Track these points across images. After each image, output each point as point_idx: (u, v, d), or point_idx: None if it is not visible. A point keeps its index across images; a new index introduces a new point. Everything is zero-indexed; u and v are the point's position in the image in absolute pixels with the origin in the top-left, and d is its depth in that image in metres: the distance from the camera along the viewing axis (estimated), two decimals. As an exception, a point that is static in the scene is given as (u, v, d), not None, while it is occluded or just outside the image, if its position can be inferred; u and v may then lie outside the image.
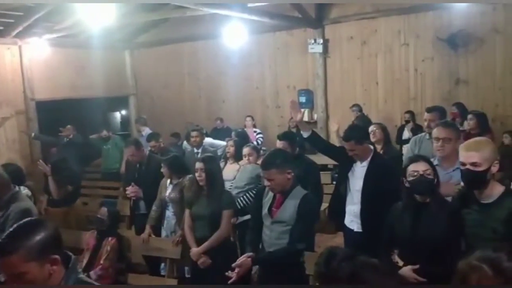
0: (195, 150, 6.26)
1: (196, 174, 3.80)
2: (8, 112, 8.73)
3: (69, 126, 8.52)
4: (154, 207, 4.68)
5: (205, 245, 3.73)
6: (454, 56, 8.13)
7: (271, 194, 3.25)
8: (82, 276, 1.84)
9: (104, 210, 4.37)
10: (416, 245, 2.68)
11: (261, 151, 5.95)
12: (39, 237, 1.69)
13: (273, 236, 3.18)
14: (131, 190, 4.97)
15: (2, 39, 8.73)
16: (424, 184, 2.69)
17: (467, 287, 1.46)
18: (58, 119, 9.51)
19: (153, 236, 4.56)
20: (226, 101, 10.42)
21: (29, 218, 1.80)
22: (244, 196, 4.60)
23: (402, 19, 8.49)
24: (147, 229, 4.56)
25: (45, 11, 8.04)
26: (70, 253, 1.84)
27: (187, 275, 4.19)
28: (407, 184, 2.75)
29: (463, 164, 2.52)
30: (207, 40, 10.01)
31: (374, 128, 5.23)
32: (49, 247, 1.71)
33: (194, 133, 6.36)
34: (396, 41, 8.61)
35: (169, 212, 4.58)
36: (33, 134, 8.89)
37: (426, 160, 2.80)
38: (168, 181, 4.62)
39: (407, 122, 7.69)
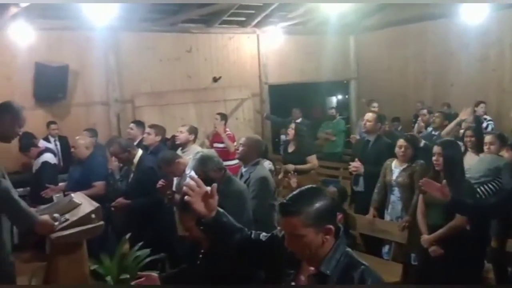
0: (434, 133, 6.29)
1: (433, 158, 3.66)
2: (246, 94, 9.85)
3: (295, 109, 9.16)
4: (376, 190, 4.66)
5: (438, 233, 3.59)
6: None
7: None
8: (349, 249, 1.85)
9: (333, 189, 4.62)
10: None
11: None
12: (318, 204, 1.78)
13: None
14: (353, 164, 5.07)
15: (243, 29, 9.83)
16: None
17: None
18: (286, 101, 10.35)
19: (377, 218, 4.60)
20: (455, 84, 9.66)
21: (310, 186, 1.91)
22: (482, 188, 4.21)
23: None
24: (371, 210, 4.62)
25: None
26: (340, 225, 1.90)
27: (413, 262, 4.11)
28: None
29: None
30: (437, 20, 9.40)
31: None
32: (327, 217, 1.80)
33: (437, 114, 6.62)
34: None
35: (394, 197, 4.51)
36: (265, 114, 9.89)
37: None
38: (394, 163, 4.54)
39: None
